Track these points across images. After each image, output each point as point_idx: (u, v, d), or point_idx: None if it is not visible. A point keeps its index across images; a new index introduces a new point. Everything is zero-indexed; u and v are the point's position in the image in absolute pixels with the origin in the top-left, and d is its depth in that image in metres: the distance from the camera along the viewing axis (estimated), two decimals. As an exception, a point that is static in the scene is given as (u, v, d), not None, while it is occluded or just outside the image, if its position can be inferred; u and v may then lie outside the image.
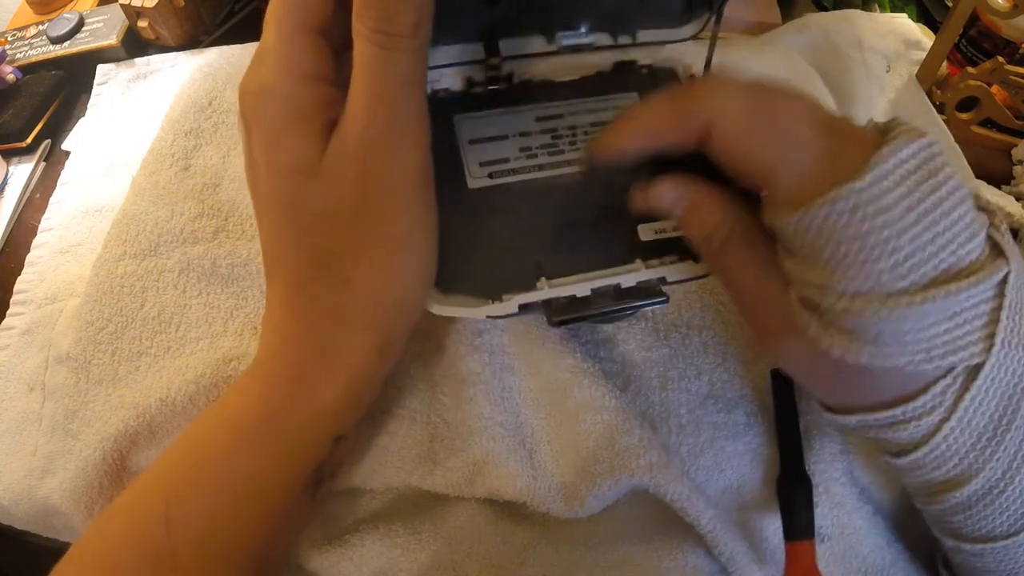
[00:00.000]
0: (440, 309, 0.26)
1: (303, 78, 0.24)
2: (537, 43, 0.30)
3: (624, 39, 0.31)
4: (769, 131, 0.22)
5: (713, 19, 0.30)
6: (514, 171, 0.29)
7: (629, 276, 0.26)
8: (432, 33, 0.23)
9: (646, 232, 0.28)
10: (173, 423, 0.32)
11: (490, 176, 0.29)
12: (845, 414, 0.25)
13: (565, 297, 0.26)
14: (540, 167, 0.29)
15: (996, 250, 0.22)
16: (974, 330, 0.22)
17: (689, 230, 0.25)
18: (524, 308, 0.26)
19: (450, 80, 0.30)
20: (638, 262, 0.27)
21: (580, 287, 0.26)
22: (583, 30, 0.30)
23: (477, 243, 0.27)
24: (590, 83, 0.31)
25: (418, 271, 0.26)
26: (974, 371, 0.22)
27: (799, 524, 0.30)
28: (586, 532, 0.30)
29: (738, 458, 0.31)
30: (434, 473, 0.30)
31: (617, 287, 0.26)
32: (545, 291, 0.26)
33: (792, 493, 0.30)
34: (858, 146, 0.21)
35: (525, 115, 0.30)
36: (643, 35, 0.31)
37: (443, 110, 0.30)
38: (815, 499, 0.30)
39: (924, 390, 0.23)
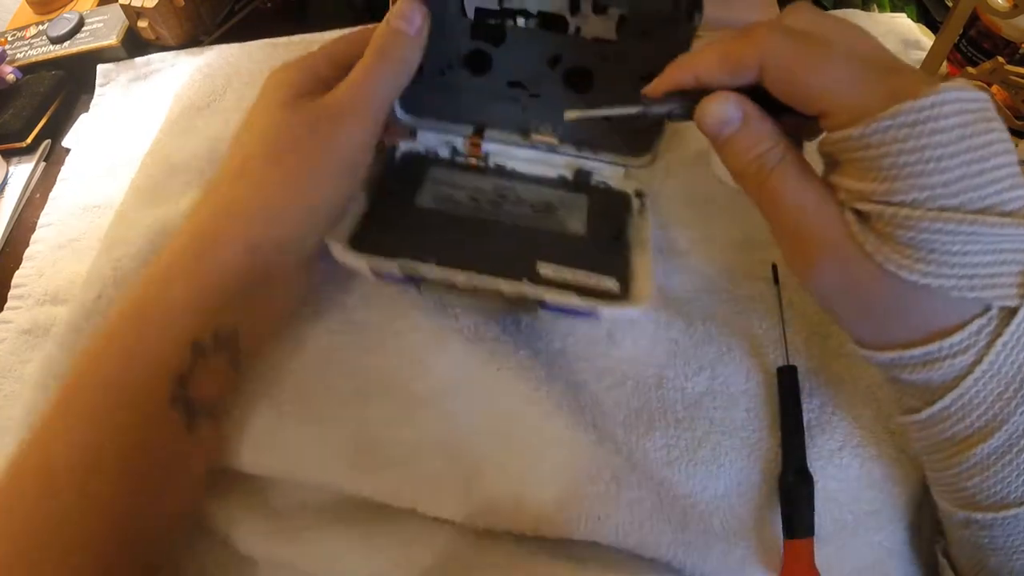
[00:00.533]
0: (338, 251, 0.31)
1: (316, 76, 0.32)
2: (515, 137, 0.37)
3: (586, 152, 0.37)
4: (817, 64, 0.24)
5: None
6: (457, 205, 0.35)
7: (513, 286, 0.30)
8: (435, 108, 0.36)
9: (544, 268, 0.32)
10: None
11: (435, 202, 0.35)
12: (879, 350, 0.26)
13: (444, 280, 0.30)
14: (479, 210, 0.35)
15: None
16: (1012, 273, 0.23)
17: (739, 154, 0.26)
18: (404, 272, 0.30)
19: (440, 148, 0.38)
20: (524, 280, 0.31)
21: (464, 277, 0.30)
22: (553, 136, 0.37)
23: (401, 235, 0.33)
24: (550, 181, 0.37)
25: (315, 200, 0.30)
26: (1008, 315, 0.23)
27: (799, 522, 0.30)
28: None
29: (735, 452, 0.32)
30: (360, 481, 0.29)
31: (500, 292, 0.30)
32: (432, 269, 0.30)
33: (793, 491, 0.30)
34: (915, 79, 0.23)
35: (485, 181, 0.37)
36: (604, 154, 0.37)
37: (425, 164, 0.37)
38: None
39: (961, 327, 0.24)
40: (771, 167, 0.25)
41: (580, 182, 0.37)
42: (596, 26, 0.32)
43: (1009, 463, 0.25)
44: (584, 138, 0.36)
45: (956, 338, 0.24)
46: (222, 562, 0.30)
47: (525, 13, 0.32)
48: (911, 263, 0.23)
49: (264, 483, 0.31)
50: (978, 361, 0.24)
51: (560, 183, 0.37)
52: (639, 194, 0.36)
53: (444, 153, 0.38)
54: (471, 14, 0.33)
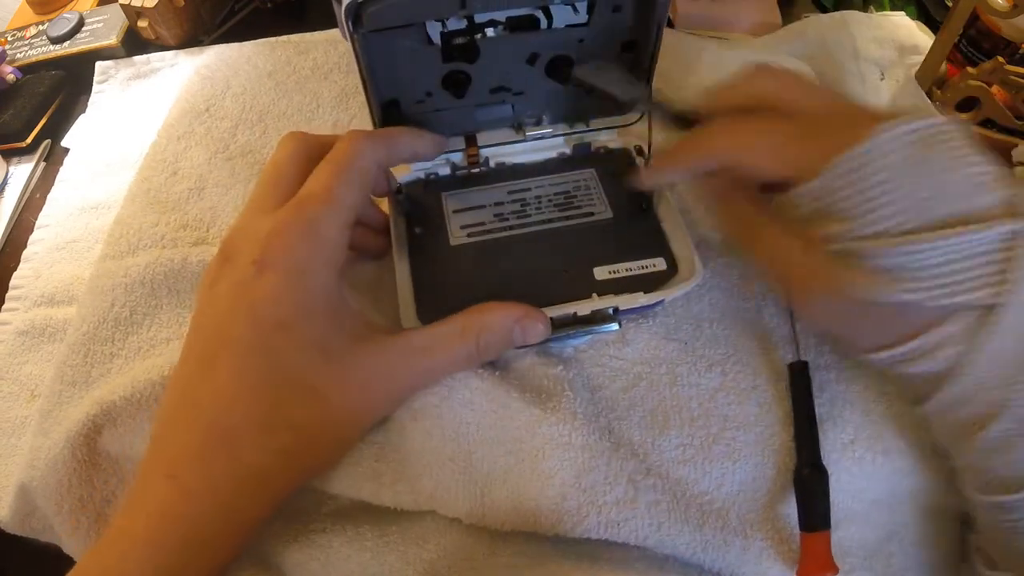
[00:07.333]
0: None
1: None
2: (508, 134, 0.37)
3: (579, 126, 0.38)
4: (751, 146, 0.28)
5: (647, 113, 0.36)
6: (489, 231, 0.35)
7: (584, 305, 0.31)
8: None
9: (601, 273, 0.33)
10: (136, 419, 0.31)
11: (468, 236, 0.35)
12: (876, 352, 0.28)
13: None
14: (511, 227, 0.35)
15: (1012, 210, 0.25)
16: (984, 274, 0.25)
17: (732, 221, 0.32)
18: None
19: (440, 167, 0.37)
20: (594, 295, 0.32)
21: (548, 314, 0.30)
22: (545, 122, 0.37)
23: (457, 286, 0.33)
24: (553, 163, 0.38)
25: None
26: (989, 309, 0.25)
27: (815, 515, 0.30)
28: None
29: (749, 448, 0.32)
30: (381, 494, 0.30)
31: (574, 315, 0.31)
32: None
33: (809, 484, 0.30)
34: (860, 126, 0.26)
35: (499, 190, 0.36)
36: (595, 122, 0.38)
37: (434, 190, 0.36)
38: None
39: (940, 324, 0.26)
40: (759, 228, 0.30)
41: (581, 155, 0.38)
42: (567, 15, 0.32)
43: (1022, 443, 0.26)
44: (572, 114, 0.36)
45: (935, 335, 0.26)
46: (232, 565, 0.30)
47: (494, 23, 0.32)
48: (887, 287, 0.25)
49: None
50: (965, 353, 0.26)
51: (564, 163, 0.37)
52: (639, 150, 0.37)
53: (445, 171, 0.37)
54: (437, 40, 0.32)
